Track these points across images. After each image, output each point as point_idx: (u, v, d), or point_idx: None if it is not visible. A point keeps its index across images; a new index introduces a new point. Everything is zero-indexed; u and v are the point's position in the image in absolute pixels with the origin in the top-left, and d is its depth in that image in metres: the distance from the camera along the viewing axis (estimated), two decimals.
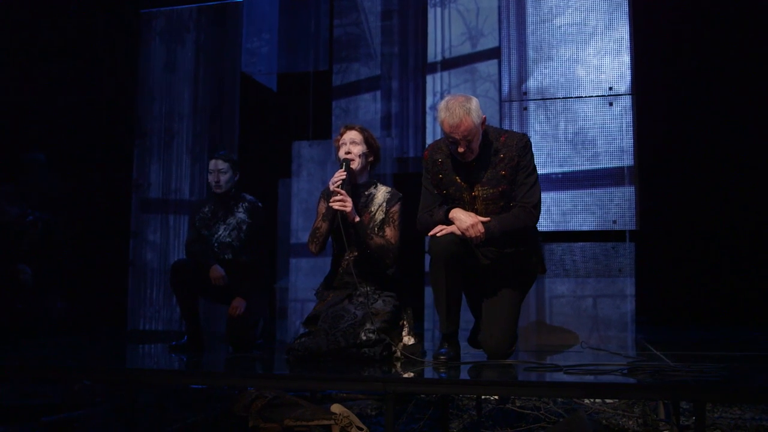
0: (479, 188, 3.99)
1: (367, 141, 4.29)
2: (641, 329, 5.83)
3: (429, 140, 6.83)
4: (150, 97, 6.93)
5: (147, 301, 6.71)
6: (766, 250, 7.19)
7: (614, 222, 5.58)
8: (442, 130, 3.92)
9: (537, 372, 3.50)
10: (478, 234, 3.86)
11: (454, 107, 3.83)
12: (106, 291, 7.01)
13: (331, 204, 4.11)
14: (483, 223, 3.89)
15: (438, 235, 3.89)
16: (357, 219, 4.15)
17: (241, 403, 4.06)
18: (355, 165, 4.25)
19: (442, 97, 6.97)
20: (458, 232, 3.88)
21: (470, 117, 3.82)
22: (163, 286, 6.67)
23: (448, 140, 3.92)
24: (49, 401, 4.66)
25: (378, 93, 7.18)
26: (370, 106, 7.16)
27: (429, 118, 6.89)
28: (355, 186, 4.31)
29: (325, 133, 7.03)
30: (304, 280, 6.80)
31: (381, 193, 4.33)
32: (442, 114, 3.87)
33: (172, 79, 6.92)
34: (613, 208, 5.58)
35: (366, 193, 4.32)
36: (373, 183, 4.37)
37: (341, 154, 4.27)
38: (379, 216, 4.26)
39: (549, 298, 5.88)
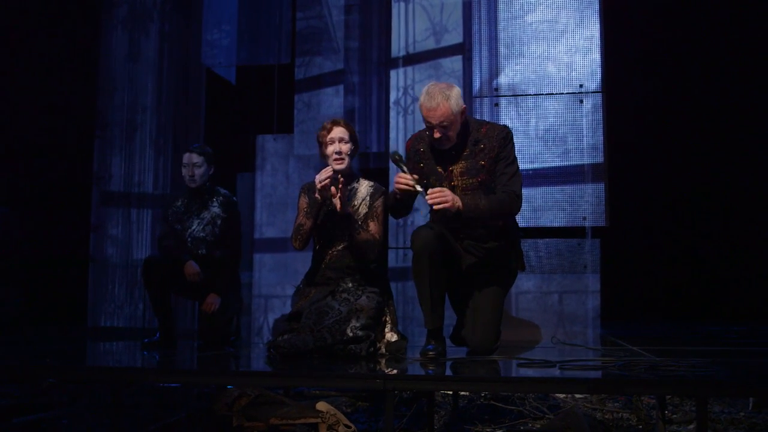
0: (458, 178, 4.01)
1: (353, 137, 4.25)
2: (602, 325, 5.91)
3: (393, 135, 6.81)
4: (111, 87, 6.76)
5: (108, 296, 6.54)
6: (729, 248, 7.34)
7: (584, 218, 5.64)
8: (421, 114, 3.95)
9: (532, 368, 3.49)
10: (457, 204, 3.82)
11: (434, 92, 3.87)
12: (65, 286, 6.82)
13: (319, 187, 4.03)
14: (471, 196, 3.90)
15: (398, 186, 3.84)
16: (342, 210, 4.10)
17: (223, 401, 3.97)
18: (345, 164, 4.21)
19: (405, 93, 6.99)
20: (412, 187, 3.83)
21: (448, 103, 3.85)
22: (125, 282, 6.53)
23: (426, 125, 3.95)
24: (16, 401, 4.51)
25: (341, 87, 7.14)
26: (333, 100, 7.11)
27: (392, 113, 6.86)
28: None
29: (287, 127, 6.96)
30: (267, 275, 6.73)
31: (364, 187, 4.29)
32: (421, 98, 3.91)
33: (135, 69, 6.77)
34: (583, 204, 5.65)
35: (349, 187, 4.27)
36: (355, 177, 4.32)
37: (329, 150, 4.20)
38: (363, 210, 4.22)
39: (515, 294, 5.92)
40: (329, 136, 4.21)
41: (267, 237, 6.83)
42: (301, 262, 6.84)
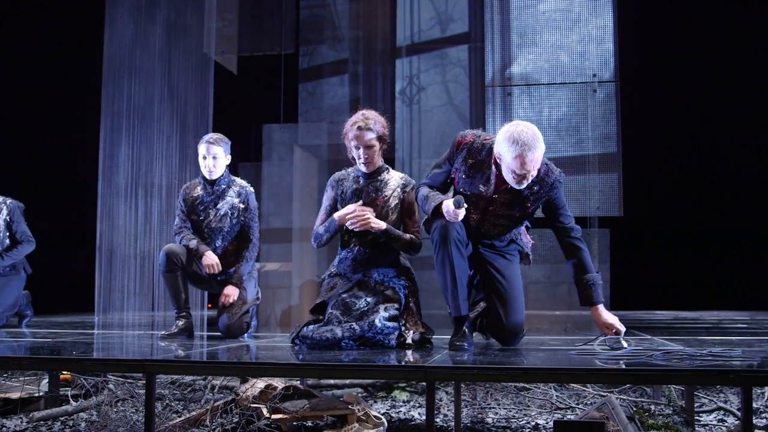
0: (499, 206, 3.91)
1: (381, 137, 4.17)
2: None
3: (398, 126, 6.78)
4: (118, 76, 6.67)
5: (116, 287, 6.48)
6: (722, 238, 7.38)
7: (598, 208, 5.65)
8: (509, 160, 3.63)
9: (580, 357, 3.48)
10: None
11: (529, 139, 3.60)
12: (73, 277, 6.75)
13: (350, 227, 4.07)
14: (595, 287, 4.07)
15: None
16: (384, 227, 4.07)
17: (250, 393, 3.94)
18: (373, 167, 4.21)
19: (411, 82, 6.95)
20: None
21: (542, 148, 3.66)
22: (134, 272, 6.46)
23: (513, 173, 3.68)
24: (35, 395, 4.46)
25: (345, 77, 7.11)
26: (337, 90, 7.08)
27: (398, 103, 6.83)
28: (367, 174, 4.24)
29: (292, 116, 6.92)
30: (274, 266, 6.70)
31: (394, 178, 4.25)
32: (516, 149, 3.60)
33: (142, 57, 6.68)
34: (596, 194, 5.65)
35: (379, 178, 4.24)
36: (385, 168, 4.28)
37: (355, 153, 4.16)
38: (393, 201, 4.19)
39: (525, 285, 5.89)
40: (358, 140, 4.14)
41: (274, 228, 6.80)
42: (308, 253, 6.83)
